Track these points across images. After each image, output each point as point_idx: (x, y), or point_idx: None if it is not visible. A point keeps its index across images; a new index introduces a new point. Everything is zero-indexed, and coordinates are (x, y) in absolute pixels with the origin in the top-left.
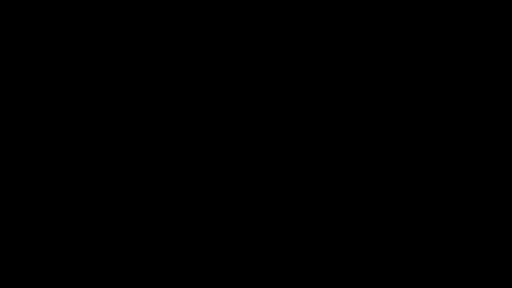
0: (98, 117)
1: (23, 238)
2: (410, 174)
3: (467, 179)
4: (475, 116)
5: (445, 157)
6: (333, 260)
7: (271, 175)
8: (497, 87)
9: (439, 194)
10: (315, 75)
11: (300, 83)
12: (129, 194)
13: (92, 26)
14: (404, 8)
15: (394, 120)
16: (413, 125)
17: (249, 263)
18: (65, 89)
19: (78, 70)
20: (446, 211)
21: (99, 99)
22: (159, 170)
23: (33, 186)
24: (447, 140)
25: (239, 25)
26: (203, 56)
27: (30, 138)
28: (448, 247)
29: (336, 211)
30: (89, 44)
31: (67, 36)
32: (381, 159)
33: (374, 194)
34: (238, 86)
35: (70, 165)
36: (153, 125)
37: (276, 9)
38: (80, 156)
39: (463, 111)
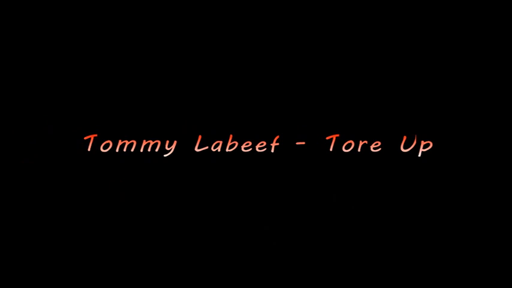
0: (98, 117)
1: (23, 238)
2: (410, 174)
3: (467, 178)
4: (474, 117)
5: (441, 158)
6: (332, 260)
7: (273, 168)
8: (496, 87)
9: (440, 194)
10: (314, 74)
11: (300, 83)
12: (129, 194)
13: (92, 26)
14: (404, 8)
15: (394, 120)
16: (414, 125)
17: (249, 262)
18: (65, 89)
19: (78, 70)
20: (446, 211)
21: (99, 99)
22: (158, 169)
23: (33, 186)
24: (445, 141)
25: (239, 25)
26: (203, 55)
27: (30, 138)
28: (448, 247)
29: (336, 211)
30: (89, 44)
31: (67, 36)
32: (378, 159)
33: (374, 193)
34: (240, 88)
35: (70, 164)
36: (154, 125)
37: (276, 9)
38: (79, 156)
39: (462, 112)
